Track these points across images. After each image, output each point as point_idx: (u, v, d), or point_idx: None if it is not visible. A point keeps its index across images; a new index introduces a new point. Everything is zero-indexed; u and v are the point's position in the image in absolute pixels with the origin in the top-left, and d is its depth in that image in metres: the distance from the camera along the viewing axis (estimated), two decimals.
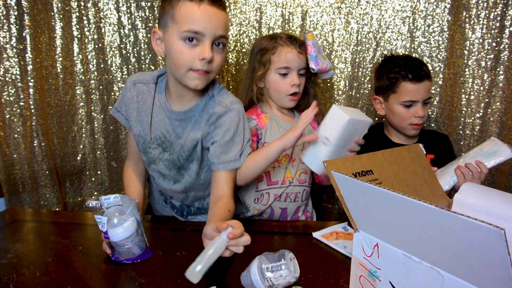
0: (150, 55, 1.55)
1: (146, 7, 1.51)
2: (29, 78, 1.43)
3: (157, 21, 0.96)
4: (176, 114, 1.00)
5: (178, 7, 0.87)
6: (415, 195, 0.51)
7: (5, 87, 1.41)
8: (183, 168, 1.06)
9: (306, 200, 1.27)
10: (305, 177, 1.22)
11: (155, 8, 1.50)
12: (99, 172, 1.64)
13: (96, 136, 1.61)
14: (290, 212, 1.22)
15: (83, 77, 1.54)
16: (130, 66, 1.57)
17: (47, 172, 1.52)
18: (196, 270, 0.64)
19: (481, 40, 1.37)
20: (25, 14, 1.39)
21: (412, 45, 1.44)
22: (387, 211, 0.57)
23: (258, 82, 1.19)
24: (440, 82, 1.44)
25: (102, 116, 1.60)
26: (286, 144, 0.98)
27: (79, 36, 1.51)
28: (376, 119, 1.52)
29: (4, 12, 1.37)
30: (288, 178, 1.19)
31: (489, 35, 1.36)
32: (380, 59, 1.45)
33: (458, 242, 0.47)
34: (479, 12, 1.35)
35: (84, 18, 1.50)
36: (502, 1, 1.32)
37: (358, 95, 1.52)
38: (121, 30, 1.53)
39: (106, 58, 1.55)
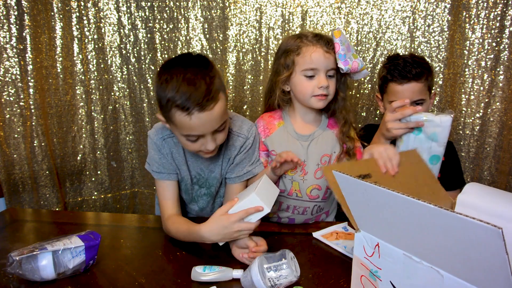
0: (150, 55, 1.55)
1: (146, 7, 1.51)
2: (29, 78, 1.43)
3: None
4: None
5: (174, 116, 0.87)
6: (416, 195, 0.51)
7: (5, 87, 1.41)
8: (218, 196, 1.16)
9: (318, 213, 1.18)
10: (318, 193, 1.13)
11: (155, 8, 1.50)
12: (99, 172, 1.64)
13: (96, 136, 1.61)
14: (299, 222, 1.17)
15: (83, 77, 1.54)
16: (130, 66, 1.57)
17: (47, 172, 1.52)
18: (200, 278, 0.80)
19: (481, 40, 1.37)
20: (25, 14, 1.39)
21: (412, 45, 1.44)
22: (388, 211, 0.57)
23: (283, 86, 1.12)
24: (440, 82, 1.44)
25: (102, 116, 1.60)
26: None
27: (79, 36, 1.51)
28: (376, 119, 1.52)
29: (4, 12, 1.37)
30: (296, 191, 1.12)
31: (489, 35, 1.36)
32: (380, 59, 1.45)
33: (458, 242, 0.47)
34: (479, 12, 1.36)
35: (84, 18, 1.50)
36: (502, 1, 1.32)
37: (358, 95, 1.52)
38: (121, 30, 1.53)
39: (106, 58, 1.55)
